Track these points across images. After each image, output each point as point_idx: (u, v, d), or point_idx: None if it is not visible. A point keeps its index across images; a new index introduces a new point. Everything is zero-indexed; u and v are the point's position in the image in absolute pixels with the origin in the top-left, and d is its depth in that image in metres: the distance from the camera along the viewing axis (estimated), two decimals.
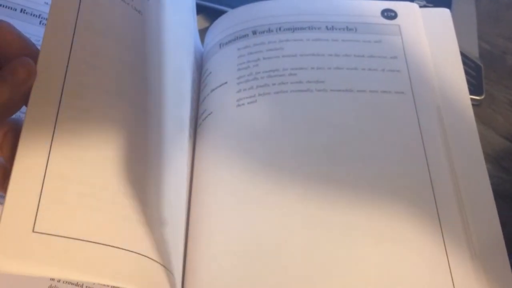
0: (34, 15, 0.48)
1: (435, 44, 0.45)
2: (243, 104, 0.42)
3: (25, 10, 0.48)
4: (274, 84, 0.42)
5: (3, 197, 0.27)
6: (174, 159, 0.37)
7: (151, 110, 0.36)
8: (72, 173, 0.29)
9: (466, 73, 0.44)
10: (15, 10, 0.49)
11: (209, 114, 0.42)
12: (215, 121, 0.42)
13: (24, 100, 0.30)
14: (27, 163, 0.28)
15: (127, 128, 0.33)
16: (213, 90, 0.44)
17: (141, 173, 0.33)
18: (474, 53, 0.54)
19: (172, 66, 0.39)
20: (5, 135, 0.30)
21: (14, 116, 0.31)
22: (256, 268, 0.35)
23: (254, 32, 0.46)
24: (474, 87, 0.52)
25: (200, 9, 0.57)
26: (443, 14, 0.46)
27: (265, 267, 0.35)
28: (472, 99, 0.48)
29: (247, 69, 0.44)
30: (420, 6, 0.48)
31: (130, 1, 0.37)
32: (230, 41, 0.46)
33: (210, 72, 0.45)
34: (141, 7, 0.37)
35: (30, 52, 0.31)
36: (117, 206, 0.31)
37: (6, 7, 0.49)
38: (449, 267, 0.35)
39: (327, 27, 0.46)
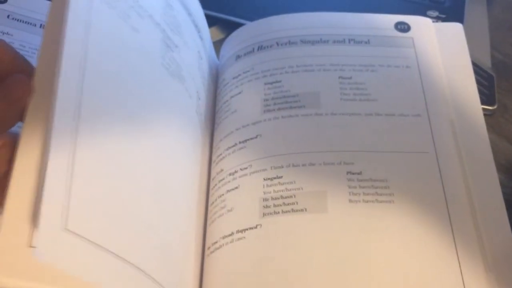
0: None
1: (448, 59, 0.45)
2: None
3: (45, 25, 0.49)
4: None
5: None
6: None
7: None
8: None
9: (479, 83, 0.45)
10: (35, 25, 0.50)
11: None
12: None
13: (20, 116, 0.30)
14: (24, 178, 0.28)
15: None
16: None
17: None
18: (486, 63, 0.55)
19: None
20: (0, 149, 0.29)
21: (10, 130, 0.31)
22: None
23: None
24: (487, 97, 0.52)
25: (215, 21, 0.58)
26: (456, 29, 0.46)
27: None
28: (484, 109, 0.48)
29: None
30: (433, 17, 0.49)
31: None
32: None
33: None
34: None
35: (26, 70, 0.31)
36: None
37: (26, 22, 0.50)
38: (463, 282, 0.35)
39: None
